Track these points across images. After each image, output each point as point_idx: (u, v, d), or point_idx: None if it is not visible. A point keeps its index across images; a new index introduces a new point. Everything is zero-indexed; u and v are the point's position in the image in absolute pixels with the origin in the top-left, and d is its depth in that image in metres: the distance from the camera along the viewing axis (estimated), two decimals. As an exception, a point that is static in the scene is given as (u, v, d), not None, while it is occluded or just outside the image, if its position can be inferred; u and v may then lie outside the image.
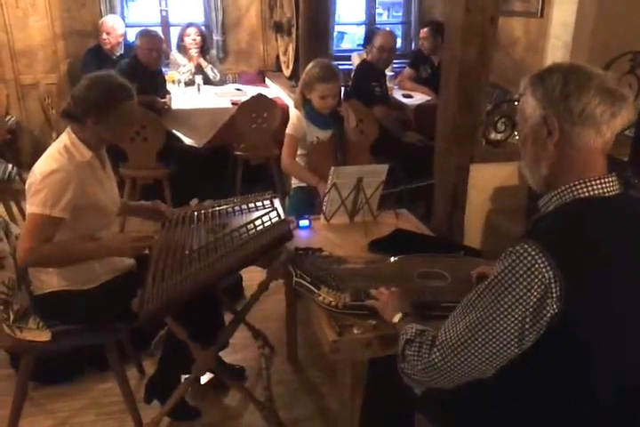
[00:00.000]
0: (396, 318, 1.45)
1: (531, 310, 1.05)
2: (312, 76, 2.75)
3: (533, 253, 1.05)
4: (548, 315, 1.05)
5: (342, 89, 2.99)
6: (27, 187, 1.87)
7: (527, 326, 1.07)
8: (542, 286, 1.04)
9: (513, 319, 1.08)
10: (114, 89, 1.90)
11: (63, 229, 1.87)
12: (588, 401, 1.15)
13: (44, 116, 4.37)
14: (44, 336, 1.89)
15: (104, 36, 4.58)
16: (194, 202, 2.30)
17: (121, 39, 4.69)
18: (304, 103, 2.84)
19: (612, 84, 1.11)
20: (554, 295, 1.04)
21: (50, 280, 1.95)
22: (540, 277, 1.04)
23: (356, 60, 5.13)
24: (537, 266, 1.04)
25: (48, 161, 1.87)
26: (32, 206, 1.82)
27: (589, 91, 1.09)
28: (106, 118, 1.88)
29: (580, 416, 1.16)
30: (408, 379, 1.30)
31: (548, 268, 1.03)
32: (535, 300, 1.05)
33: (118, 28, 4.63)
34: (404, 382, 1.35)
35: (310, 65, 2.82)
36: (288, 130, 2.85)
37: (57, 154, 1.88)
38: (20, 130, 4.93)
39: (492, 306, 1.10)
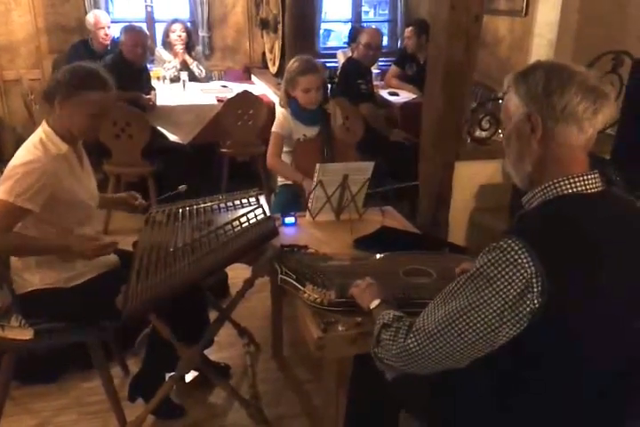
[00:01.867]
0: (373, 305, 1.46)
1: (510, 303, 1.07)
2: (293, 71, 2.75)
3: (516, 248, 1.06)
4: (528, 309, 1.06)
5: (328, 86, 2.99)
6: (1, 179, 1.84)
7: (505, 320, 1.08)
8: (524, 281, 1.05)
9: (492, 311, 1.09)
10: (89, 75, 1.88)
11: (41, 223, 1.85)
12: (574, 395, 1.16)
13: (26, 112, 4.32)
14: (27, 335, 1.87)
15: (106, 30, 4.48)
16: (182, 188, 2.29)
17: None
18: (289, 101, 2.83)
19: (593, 82, 1.12)
20: (535, 290, 1.05)
21: (32, 279, 1.93)
22: (522, 271, 1.05)
23: (341, 57, 5.13)
24: (519, 261, 1.05)
25: (23, 154, 1.85)
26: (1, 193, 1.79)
27: (571, 88, 1.10)
28: (68, 101, 1.84)
29: (568, 409, 1.18)
30: (380, 363, 1.31)
31: (531, 263, 1.04)
32: (515, 293, 1.06)
33: (110, 23, 4.58)
34: (378, 367, 1.35)
35: (290, 62, 2.82)
36: (274, 128, 2.84)
37: (32, 147, 1.86)
38: (2, 126, 4.87)
39: (472, 297, 1.11)
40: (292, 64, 2.79)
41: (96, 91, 1.87)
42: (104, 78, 1.89)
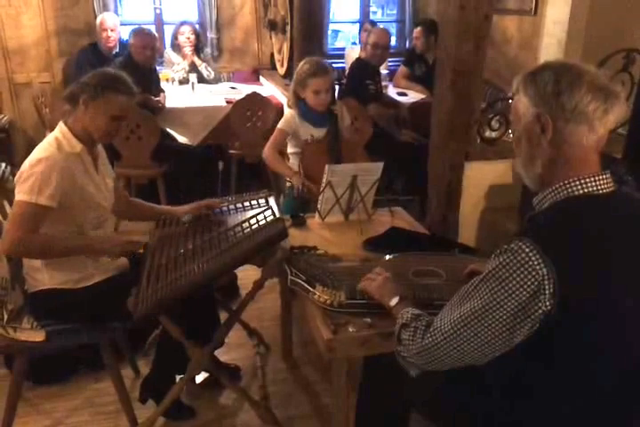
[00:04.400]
0: (393, 302, 1.47)
1: (523, 304, 1.07)
2: (303, 72, 2.76)
3: (527, 250, 1.05)
4: (540, 311, 1.06)
5: (337, 87, 2.99)
6: (16, 178, 1.87)
7: (518, 320, 1.08)
8: (536, 283, 1.05)
9: (505, 313, 1.09)
10: (117, 79, 1.94)
11: (54, 221, 1.86)
12: (585, 396, 1.16)
13: (37, 114, 4.35)
14: (39, 336, 1.89)
15: (109, 33, 4.52)
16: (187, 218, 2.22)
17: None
18: (297, 102, 2.83)
19: (603, 81, 1.12)
20: (547, 292, 1.04)
21: (42, 278, 1.94)
22: (533, 273, 1.05)
23: (350, 53, 5.12)
24: (531, 263, 1.05)
25: (39, 152, 1.88)
26: (19, 194, 1.82)
27: (581, 88, 1.10)
28: (95, 101, 1.89)
29: (577, 410, 1.17)
30: (404, 361, 1.32)
31: (542, 265, 1.04)
32: (528, 295, 1.06)
33: (118, 25, 4.61)
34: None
35: (301, 64, 2.83)
36: (279, 124, 2.85)
37: (47, 145, 1.90)
38: (13, 129, 4.90)
39: (486, 298, 1.12)
40: (303, 66, 2.79)
41: (122, 94, 1.92)
42: (130, 84, 1.96)
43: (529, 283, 1.05)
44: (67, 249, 1.90)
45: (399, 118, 4.27)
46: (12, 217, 1.84)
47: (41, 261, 1.93)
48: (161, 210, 2.30)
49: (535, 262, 1.05)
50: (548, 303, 1.05)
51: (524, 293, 1.06)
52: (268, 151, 2.83)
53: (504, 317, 1.09)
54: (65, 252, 1.90)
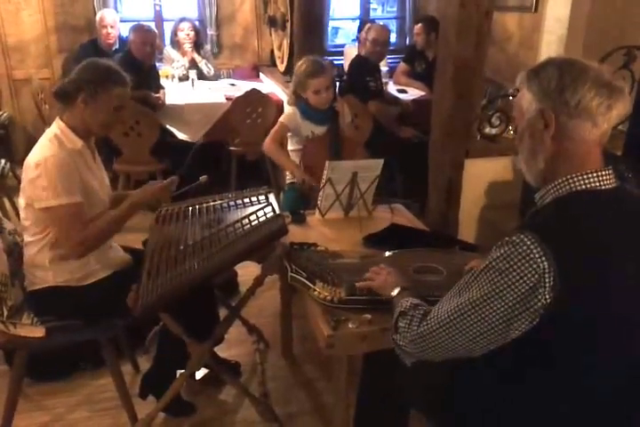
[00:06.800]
0: (394, 293, 1.47)
1: (522, 296, 1.07)
2: (302, 73, 2.75)
3: (529, 242, 1.05)
4: (539, 304, 1.06)
5: (337, 84, 2.99)
6: (26, 181, 1.86)
7: (516, 313, 1.08)
8: (536, 275, 1.05)
9: (503, 304, 1.09)
10: (110, 71, 1.93)
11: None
12: (584, 395, 1.15)
13: (37, 111, 4.34)
14: (38, 332, 1.89)
15: (109, 29, 4.51)
16: (203, 179, 2.27)
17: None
18: (298, 101, 2.83)
19: (607, 77, 1.11)
20: (547, 285, 1.04)
21: (45, 276, 1.94)
22: (534, 266, 1.05)
23: (348, 51, 5.10)
24: (532, 255, 1.05)
25: (41, 150, 1.87)
26: (46, 201, 1.81)
27: (585, 83, 1.10)
28: (95, 98, 1.88)
29: (575, 409, 1.17)
30: (399, 350, 1.33)
31: (544, 258, 1.04)
32: (527, 288, 1.06)
33: (118, 22, 4.60)
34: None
35: (298, 64, 2.82)
36: (282, 118, 2.84)
37: (48, 143, 1.88)
38: (12, 125, 4.89)
39: (485, 289, 1.12)
40: (300, 66, 2.78)
41: (120, 85, 1.93)
42: (122, 74, 1.95)
43: (529, 275, 1.05)
44: (116, 222, 1.95)
45: (400, 115, 4.26)
46: (56, 224, 1.85)
47: (46, 260, 1.93)
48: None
49: (537, 255, 1.04)
50: (547, 296, 1.05)
51: (524, 285, 1.06)
52: (268, 143, 2.82)
53: (502, 308, 1.09)
54: (116, 226, 1.95)
